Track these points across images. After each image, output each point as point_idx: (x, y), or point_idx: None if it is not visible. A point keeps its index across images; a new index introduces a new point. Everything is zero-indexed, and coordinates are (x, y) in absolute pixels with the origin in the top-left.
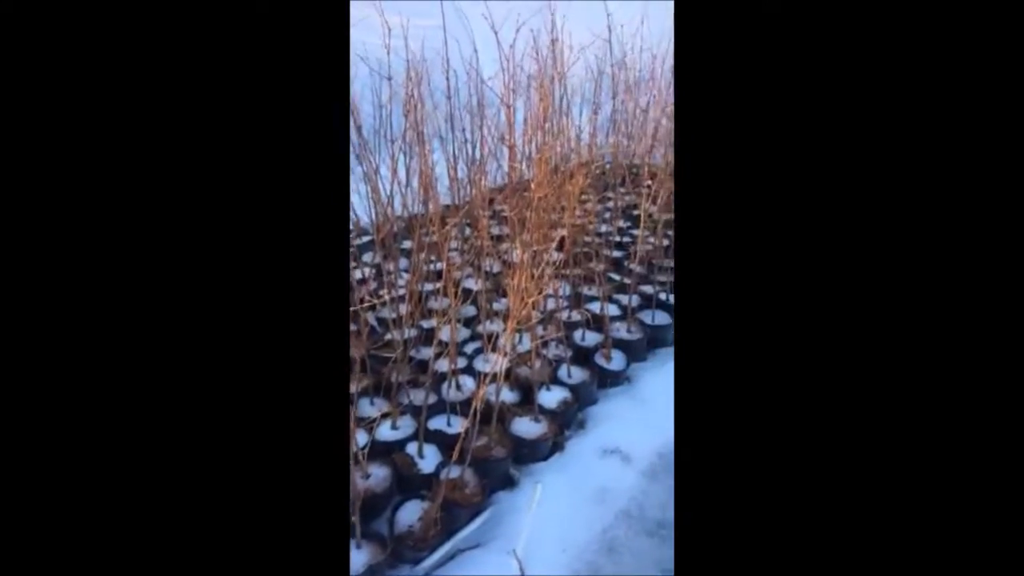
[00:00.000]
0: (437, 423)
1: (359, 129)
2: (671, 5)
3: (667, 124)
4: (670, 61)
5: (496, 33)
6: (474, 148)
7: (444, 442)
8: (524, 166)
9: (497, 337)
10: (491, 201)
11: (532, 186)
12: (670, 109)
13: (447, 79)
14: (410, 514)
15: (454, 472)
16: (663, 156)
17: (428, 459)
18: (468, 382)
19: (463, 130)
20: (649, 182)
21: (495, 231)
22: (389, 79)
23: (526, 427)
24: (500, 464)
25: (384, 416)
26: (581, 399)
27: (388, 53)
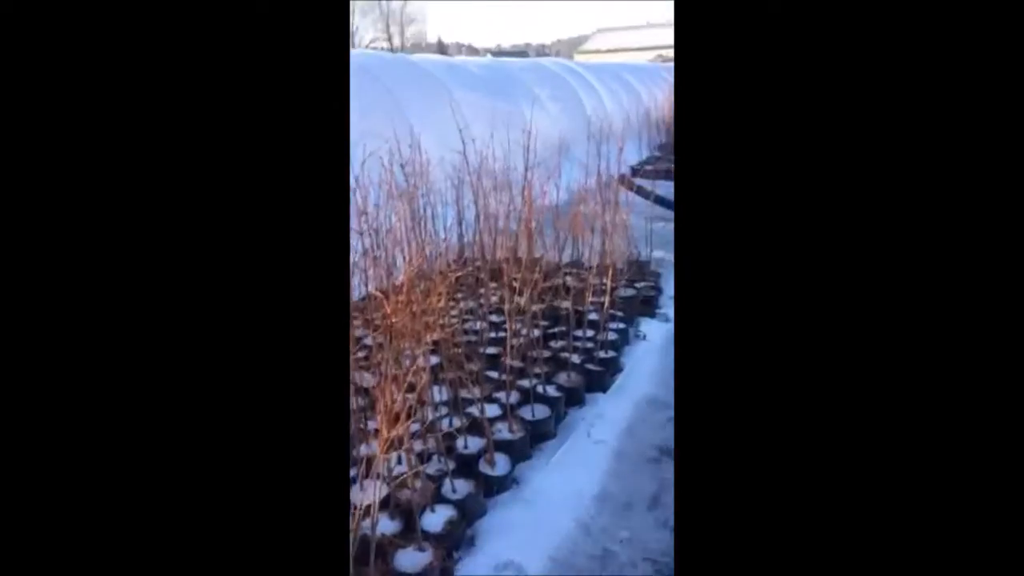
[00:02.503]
0: None
1: None
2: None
3: (525, 223)
4: (521, 169)
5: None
6: None
7: None
8: (390, 276)
9: (372, 462)
10: (362, 311)
11: (387, 309)
12: (526, 213)
13: None
14: None
15: None
16: (525, 251)
17: None
18: None
19: None
20: (516, 275)
21: (368, 342)
22: None
23: (410, 559)
24: None
25: None
26: (468, 514)
27: None
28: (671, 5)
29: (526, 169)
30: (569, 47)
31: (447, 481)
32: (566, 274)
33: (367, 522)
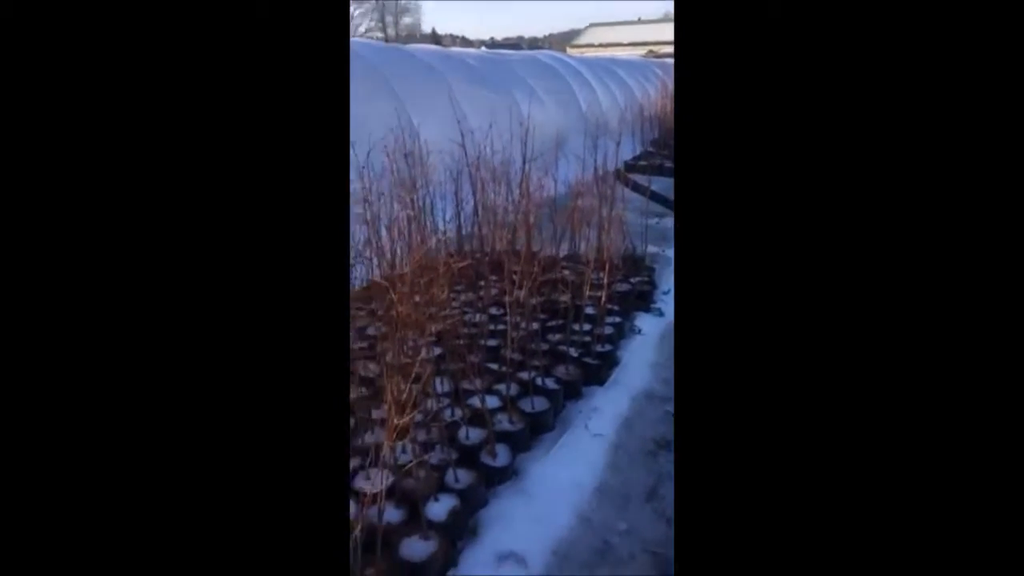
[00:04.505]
0: None
1: None
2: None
3: (523, 216)
4: (519, 162)
5: (352, 145)
6: None
7: None
8: (393, 267)
9: (378, 450)
10: (366, 300)
11: (395, 298)
12: (524, 203)
13: None
14: None
15: None
16: (524, 244)
17: None
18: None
19: None
20: (515, 269)
21: (371, 331)
22: None
23: (416, 548)
24: None
25: None
26: (470, 504)
27: None
28: (664, 3)
29: (524, 162)
30: (561, 41)
31: (450, 471)
32: (563, 268)
33: (373, 510)
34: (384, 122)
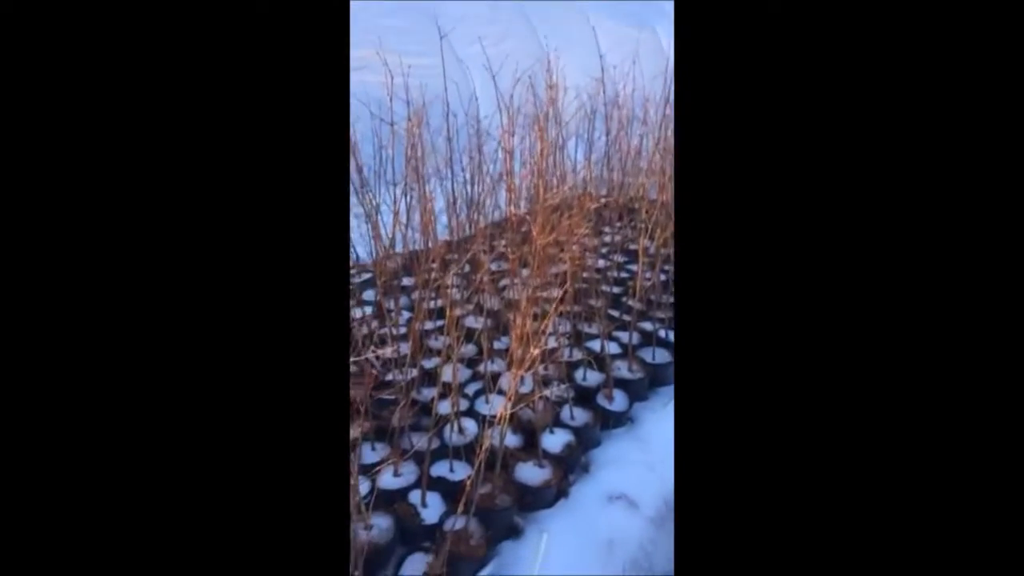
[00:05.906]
0: (439, 469)
1: (360, 170)
2: (664, 39)
3: (660, 160)
4: (659, 101)
5: (494, 77)
6: (473, 187)
7: (447, 490)
8: (522, 205)
9: (499, 378)
10: (491, 237)
11: (534, 232)
12: (663, 146)
13: (447, 122)
14: (414, 567)
15: (458, 523)
16: (659, 192)
17: (431, 508)
18: (470, 425)
19: (463, 170)
20: (645, 217)
21: (494, 267)
22: (391, 124)
23: (530, 473)
24: (505, 513)
25: (386, 463)
26: (584, 442)
27: (391, 100)
28: None
29: (665, 104)
30: None
31: (567, 408)
32: None
33: (491, 433)
34: (521, 55)
